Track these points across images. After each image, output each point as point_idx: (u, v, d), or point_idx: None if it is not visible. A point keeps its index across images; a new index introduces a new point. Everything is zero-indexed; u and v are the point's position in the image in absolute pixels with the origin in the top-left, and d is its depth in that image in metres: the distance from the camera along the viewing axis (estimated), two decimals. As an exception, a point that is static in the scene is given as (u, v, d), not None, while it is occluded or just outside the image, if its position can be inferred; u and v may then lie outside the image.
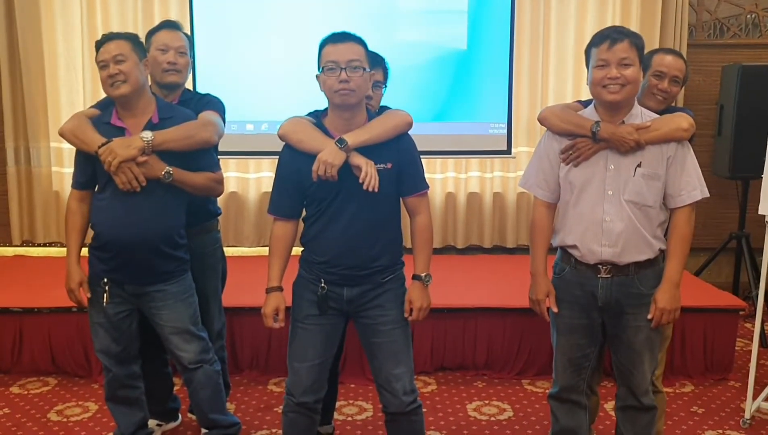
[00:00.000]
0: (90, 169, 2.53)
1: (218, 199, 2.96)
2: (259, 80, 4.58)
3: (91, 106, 2.75)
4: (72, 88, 4.74)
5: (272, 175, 4.63)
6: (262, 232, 4.86)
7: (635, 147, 2.28)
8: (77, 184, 2.60)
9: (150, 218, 2.49)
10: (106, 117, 2.54)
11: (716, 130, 4.58)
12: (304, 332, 2.41)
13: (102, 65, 2.45)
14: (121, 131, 2.49)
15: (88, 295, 2.60)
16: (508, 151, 4.72)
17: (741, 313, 3.89)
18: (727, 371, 3.74)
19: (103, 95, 4.66)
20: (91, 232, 2.61)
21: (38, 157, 4.79)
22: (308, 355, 2.41)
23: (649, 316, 2.36)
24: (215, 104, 2.76)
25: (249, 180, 4.84)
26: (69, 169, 4.76)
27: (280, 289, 2.41)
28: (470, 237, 4.98)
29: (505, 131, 4.68)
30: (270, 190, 2.51)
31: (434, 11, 4.58)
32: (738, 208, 4.64)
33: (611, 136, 2.29)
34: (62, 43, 4.70)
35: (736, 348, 3.85)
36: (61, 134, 2.56)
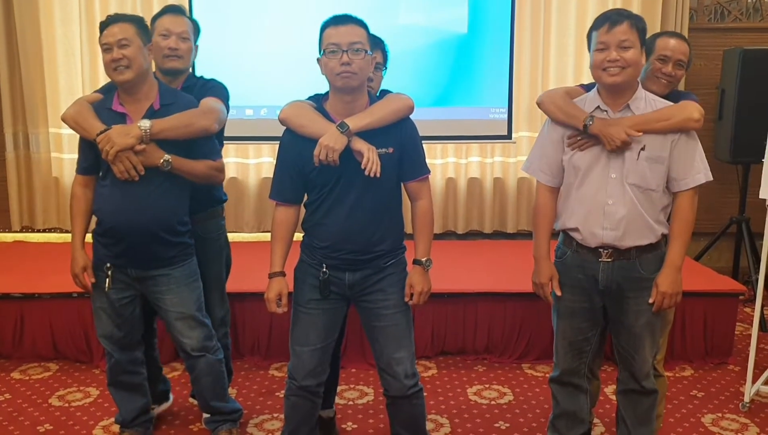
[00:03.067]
0: (92, 155, 2.52)
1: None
2: (259, 65, 4.56)
3: (96, 91, 2.73)
4: (71, 73, 4.73)
5: (272, 160, 4.67)
6: (262, 218, 4.86)
7: (621, 147, 2.27)
8: (81, 169, 2.59)
9: (149, 205, 2.47)
10: (108, 102, 2.52)
11: (717, 115, 4.56)
12: (306, 316, 2.41)
13: (105, 48, 2.42)
14: (122, 117, 2.47)
15: (93, 280, 2.60)
16: (509, 136, 4.72)
17: (741, 297, 3.90)
18: (727, 355, 3.75)
19: (102, 81, 4.71)
20: (95, 218, 2.60)
21: (37, 142, 4.78)
22: (310, 339, 2.41)
23: (651, 300, 2.36)
24: (219, 90, 2.73)
25: (249, 165, 4.83)
26: (68, 155, 4.78)
27: (282, 274, 2.40)
28: (471, 222, 4.98)
29: (506, 116, 4.67)
30: (270, 175, 2.50)
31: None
32: (738, 193, 4.65)
33: (600, 133, 2.29)
34: (60, 28, 4.68)
35: (736, 332, 3.86)
36: (64, 120, 2.55)
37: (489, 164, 4.90)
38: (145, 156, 2.42)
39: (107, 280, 2.56)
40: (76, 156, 4.56)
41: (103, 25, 2.46)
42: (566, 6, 4.73)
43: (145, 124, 2.41)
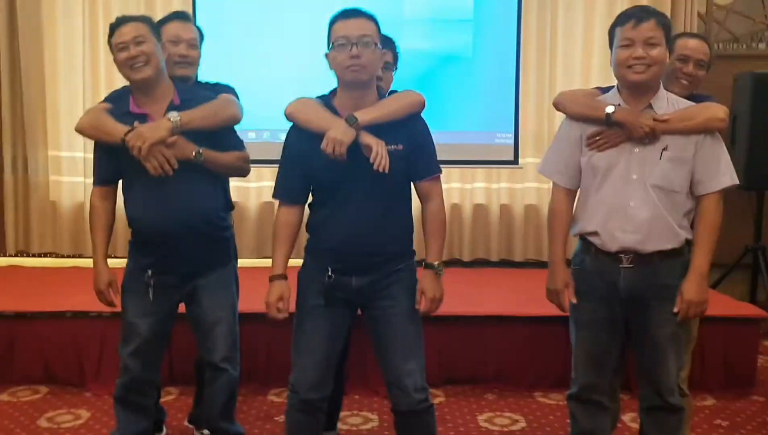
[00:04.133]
0: (113, 164, 2.43)
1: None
2: (262, 88, 4.48)
3: (101, 102, 2.61)
4: (72, 96, 4.68)
5: (273, 184, 4.58)
6: (262, 243, 4.73)
7: (650, 135, 2.17)
8: (100, 180, 2.49)
9: (186, 203, 2.39)
10: (124, 106, 2.43)
11: (730, 141, 4.48)
12: (309, 324, 2.28)
13: (121, 47, 2.35)
14: (143, 118, 2.39)
15: (118, 295, 2.49)
16: (515, 162, 4.63)
17: (761, 327, 3.74)
18: (750, 385, 3.58)
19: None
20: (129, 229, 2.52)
21: (36, 165, 4.69)
22: (314, 349, 2.27)
23: (675, 310, 2.23)
24: (229, 90, 2.70)
25: (249, 189, 4.74)
26: (67, 178, 4.70)
27: (284, 276, 2.27)
28: (476, 250, 4.85)
29: (512, 141, 4.59)
30: (271, 200, 2.41)
31: (439, 20, 4.52)
32: (753, 221, 4.53)
33: (625, 121, 2.18)
34: (63, 52, 4.65)
35: (757, 364, 3.69)
36: (80, 130, 2.47)
37: (495, 190, 4.80)
38: (177, 149, 2.34)
39: (150, 289, 2.44)
40: (74, 179, 4.65)
41: (114, 26, 2.40)
42: (572, 32, 4.70)
43: (174, 115, 2.34)
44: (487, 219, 4.82)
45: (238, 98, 2.69)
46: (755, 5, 4.84)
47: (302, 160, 2.24)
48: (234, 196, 4.71)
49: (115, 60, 2.39)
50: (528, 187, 4.75)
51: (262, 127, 4.51)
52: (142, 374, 2.54)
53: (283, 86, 4.43)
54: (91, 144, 2.57)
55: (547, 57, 4.69)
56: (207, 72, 2.85)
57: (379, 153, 2.12)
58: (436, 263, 2.26)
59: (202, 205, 2.44)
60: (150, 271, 2.44)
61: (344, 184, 2.20)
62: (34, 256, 4.76)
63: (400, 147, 2.20)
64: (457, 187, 4.80)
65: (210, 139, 2.42)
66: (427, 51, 4.53)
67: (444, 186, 4.72)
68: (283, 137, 2.36)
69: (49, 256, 4.75)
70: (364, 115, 2.15)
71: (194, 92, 2.51)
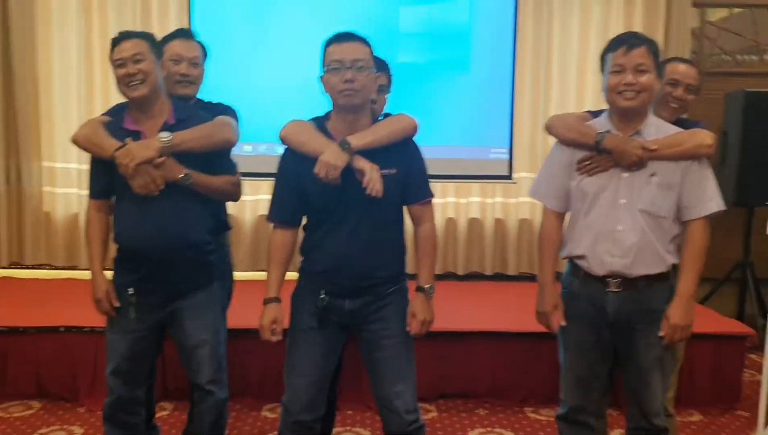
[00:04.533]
0: (107, 177, 2.43)
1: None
2: (258, 101, 4.51)
3: (102, 114, 2.64)
4: (66, 108, 4.67)
5: (269, 197, 4.58)
6: (257, 257, 4.75)
7: (638, 163, 2.21)
8: (94, 193, 2.49)
9: (171, 223, 2.38)
10: (119, 121, 2.44)
11: (720, 158, 4.53)
12: (302, 345, 2.30)
13: (119, 63, 2.36)
14: (136, 135, 2.39)
15: (117, 304, 2.46)
16: (510, 177, 4.65)
17: (747, 342, 3.78)
18: (735, 401, 3.62)
19: (96, 115, 4.66)
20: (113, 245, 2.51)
21: (29, 177, 4.68)
22: (307, 370, 2.29)
23: (661, 333, 2.25)
24: (229, 111, 2.68)
25: (245, 202, 4.75)
26: (61, 190, 4.70)
27: (278, 299, 2.29)
28: (471, 264, 4.88)
29: (507, 156, 4.62)
30: (266, 213, 2.41)
31: (436, 34, 4.55)
32: (742, 237, 4.57)
33: (615, 148, 2.22)
34: (57, 63, 4.65)
35: (743, 379, 3.73)
36: (75, 141, 2.47)
37: (490, 205, 4.83)
38: (165, 170, 2.33)
39: (131, 307, 2.43)
40: (68, 190, 4.66)
41: (115, 42, 2.41)
42: (567, 49, 4.73)
43: (166, 135, 2.33)
44: (481, 233, 4.85)
45: (239, 119, 2.68)
46: (746, 23, 4.89)
47: (296, 183, 2.26)
48: (230, 209, 4.77)
49: (115, 75, 2.40)
50: (522, 202, 4.78)
51: (259, 140, 4.53)
52: (125, 393, 2.52)
53: (279, 99, 4.48)
54: (85, 155, 2.57)
55: (542, 73, 4.73)
56: (204, 87, 2.85)
57: (372, 178, 2.15)
58: (427, 286, 2.28)
59: (186, 228, 2.42)
60: (132, 289, 2.43)
61: (338, 207, 2.22)
62: (27, 267, 4.75)
63: (394, 171, 2.23)
64: (452, 202, 4.82)
65: (202, 161, 2.41)
66: (423, 65, 4.57)
67: (439, 200, 4.85)
68: (279, 150, 2.37)
69: (43, 268, 4.75)
70: (357, 140, 2.18)
71: (191, 112, 2.50)
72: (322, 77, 2.22)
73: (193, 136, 2.38)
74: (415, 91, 4.50)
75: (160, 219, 2.37)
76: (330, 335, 2.30)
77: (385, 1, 4.54)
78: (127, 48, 2.35)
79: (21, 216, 4.74)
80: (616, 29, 4.67)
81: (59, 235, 4.73)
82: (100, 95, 4.64)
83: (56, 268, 4.72)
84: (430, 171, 4.34)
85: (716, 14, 4.92)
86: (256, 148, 4.55)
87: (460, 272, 4.86)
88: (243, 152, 4.53)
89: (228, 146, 2.51)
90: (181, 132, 2.37)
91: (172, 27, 4.58)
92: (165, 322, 2.52)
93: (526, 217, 4.78)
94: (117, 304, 2.46)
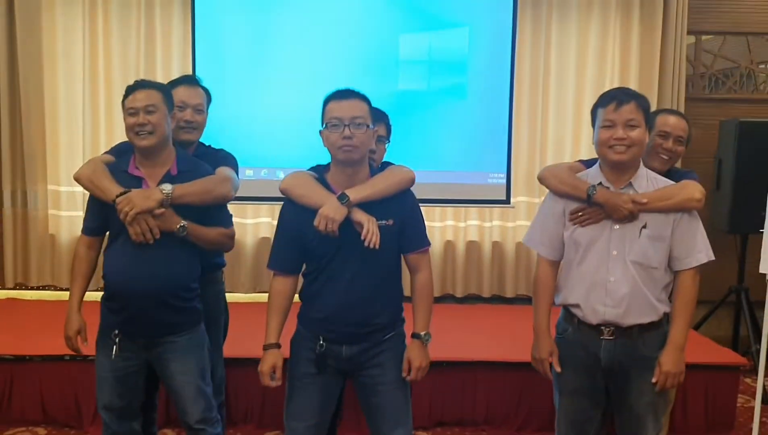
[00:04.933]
0: (102, 217, 2.50)
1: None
2: (259, 126, 4.58)
3: (106, 152, 2.71)
4: (72, 132, 4.76)
5: (270, 220, 4.65)
6: (258, 279, 4.82)
7: (629, 216, 2.27)
8: (87, 230, 2.56)
9: (161, 271, 2.44)
10: (123, 165, 2.51)
11: (714, 184, 4.59)
12: (301, 391, 2.36)
13: (131, 112, 2.43)
14: (137, 181, 2.46)
15: (86, 344, 2.54)
16: (507, 201, 4.72)
17: (741, 369, 3.85)
18: (729, 429, 3.69)
19: (103, 139, 4.73)
20: (100, 283, 2.55)
21: (35, 200, 4.76)
22: (305, 415, 2.35)
23: (654, 380, 2.32)
24: (230, 160, 2.76)
25: (247, 225, 4.81)
26: (66, 213, 4.78)
27: (277, 345, 2.36)
28: (469, 286, 4.95)
29: (504, 181, 4.68)
30: (267, 235, 2.48)
31: (435, 61, 4.61)
32: (737, 262, 4.63)
33: (606, 202, 2.29)
34: (63, 88, 4.73)
35: (737, 404, 3.80)
36: (77, 179, 2.53)
37: (488, 228, 4.90)
38: (163, 220, 2.40)
39: (114, 347, 2.49)
40: (73, 213, 4.73)
41: (130, 90, 2.48)
42: (564, 75, 4.80)
43: (168, 187, 2.40)
44: (479, 256, 4.92)
45: (237, 167, 2.75)
46: (742, 50, 4.96)
47: (296, 233, 2.32)
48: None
49: (125, 121, 2.46)
50: (519, 226, 4.84)
51: (260, 165, 4.59)
52: (119, 427, 2.59)
53: (280, 125, 4.55)
54: None
55: (539, 100, 4.80)
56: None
57: (370, 230, 2.21)
58: (422, 333, 2.35)
59: (173, 275, 2.47)
60: (116, 331, 2.49)
61: (336, 257, 2.29)
62: (32, 288, 4.83)
63: (391, 222, 2.29)
64: (451, 225, 4.90)
65: (198, 212, 2.48)
66: (422, 92, 4.62)
67: (438, 224, 4.92)
68: (280, 175, 2.45)
69: (48, 289, 4.83)
70: (355, 194, 2.24)
71: (194, 164, 2.57)
72: (321, 132, 2.29)
73: (193, 190, 2.45)
74: (414, 117, 4.57)
75: (151, 264, 2.43)
76: (328, 381, 2.37)
77: (385, 30, 4.59)
78: (141, 98, 2.43)
79: (26, 238, 4.82)
80: (613, 59, 4.76)
81: (64, 257, 4.80)
82: (104, 121, 4.72)
83: (61, 289, 4.79)
84: (430, 195, 4.50)
85: (712, 41, 4.97)
86: (257, 173, 4.60)
87: (459, 294, 4.93)
88: (245, 177, 4.57)
89: (225, 201, 2.59)
90: (182, 185, 2.44)
91: (174, 56, 4.68)
92: (152, 362, 2.57)
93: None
94: (86, 344, 2.54)
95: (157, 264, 2.43)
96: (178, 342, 2.53)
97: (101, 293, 2.56)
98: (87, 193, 2.57)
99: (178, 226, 2.42)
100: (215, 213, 2.56)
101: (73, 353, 3.49)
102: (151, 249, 2.41)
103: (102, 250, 2.58)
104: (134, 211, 2.35)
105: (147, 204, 2.36)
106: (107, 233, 2.55)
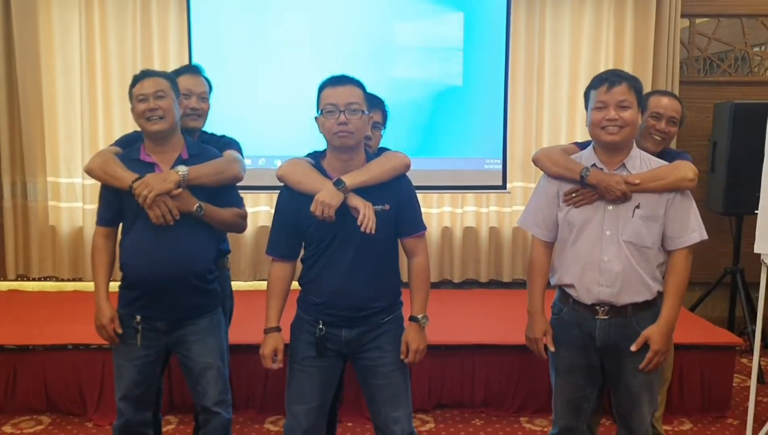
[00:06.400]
0: (116, 206, 2.53)
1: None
2: (256, 115, 4.60)
3: (112, 144, 2.73)
4: (70, 124, 4.76)
5: (269, 209, 4.67)
6: (258, 267, 4.85)
7: (622, 197, 2.30)
8: (103, 220, 2.59)
9: (182, 253, 2.49)
10: (134, 153, 2.55)
11: (709, 167, 4.62)
12: (302, 374, 2.40)
13: (141, 99, 2.47)
14: (150, 167, 2.50)
15: (120, 331, 2.55)
16: (504, 186, 4.75)
17: (737, 349, 3.90)
18: (725, 409, 3.73)
19: (102, 131, 4.75)
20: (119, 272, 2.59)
21: (35, 191, 4.77)
22: (306, 398, 2.39)
23: (643, 365, 2.35)
24: (234, 145, 2.82)
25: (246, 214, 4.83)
26: (65, 204, 4.80)
27: (278, 329, 2.40)
28: (466, 271, 4.99)
29: (501, 167, 4.71)
30: (266, 224, 2.51)
31: (430, 48, 4.63)
32: (732, 244, 4.67)
33: (599, 183, 2.32)
34: (61, 79, 4.73)
35: (733, 384, 3.84)
36: (89, 171, 2.56)
37: (484, 214, 4.93)
38: (181, 201, 2.45)
39: (138, 335, 2.53)
40: (73, 205, 4.76)
41: (138, 78, 2.52)
42: (559, 60, 4.81)
43: (183, 169, 2.45)
44: (476, 241, 4.95)
45: (241, 151, 2.80)
46: (736, 32, 4.97)
47: (294, 220, 2.36)
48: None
49: (133, 110, 2.50)
50: (516, 211, 4.86)
51: (258, 154, 4.61)
52: (134, 416, 2.62)
53: (277, 114, 4.57)
54: None
55: (534, 86, 4.81)
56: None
57: (366, 215, 2.25)
58: (420, 316, 2.39)
59: (194, 256, 2.52)
60: (138, 317, 2.52)
61: (334, 242, 2.32)
62: (34, 280, 4.86)
63: (387, 207, 2.33)
64: (448, 211, 4.92)
65: (211, 194, 2.53)
66: (419, 79, 4.64)
67: (435, 210, 4.94)
68: (278, 164, 2.48)
69: (50, 280, 4.86)
70: (351, 179, 2.28)
71: (202, 148, 2.62)
72: (317, 119, 2.32)
73: (206, 172, 2.51)
74: (411, 104, 4.59)
75: (173, 246, 2.48)
76: (328, 364, 2.40)
77: (381, 17, 4.61)
78: (150, 84, 2.47)
79: (27, 230, 4.84)
80: (607, 43, 4.77)
81: (64, 248, 4.83)
82: (102, 112, 4.73)
83: (62, 280, 4.83)
84: (427, 181, 4.52)
85: (706, 24, 4.99)
86: (255, 162, 4.63)
87: (456, 280, 4.97)
88: (243, 166, 4.61)
89: (236, 181, 2.65)
90: (196, 166, 2.49)
91: (171, 47, 4.70)
92: (171, 346, 2.61)
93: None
94: (120, 331, 2.54)
95: (179, 246, 2.48)
96: (200, 324, 2.58)
97: (117, 283, 2.59)
98: (86, 185, 2.60)
99: (195, 207, 2.47)
100: (227, 194, 2.61)
101: (75, 342, 3.56)
102: (171, 231, 2.45)
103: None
104: (153, 193, 2.39)
105: (165, 186, 2.41)
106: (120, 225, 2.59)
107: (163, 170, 2.49)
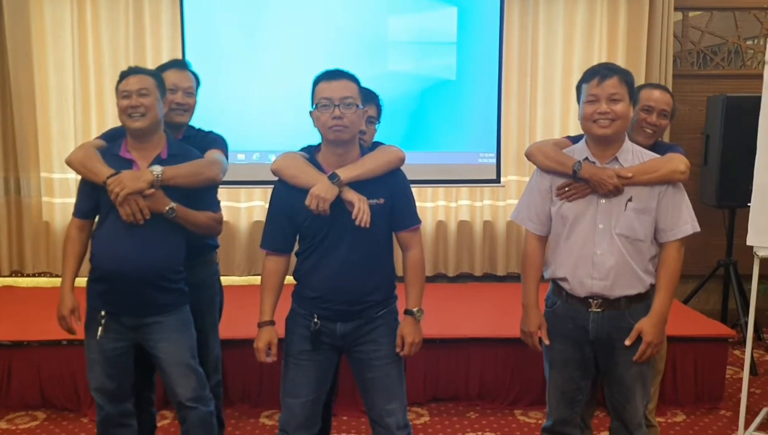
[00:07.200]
0: (93, 200, 2.54)
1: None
2: (250, 110, 4.60)
3: (98, 137, 2.74)
4: (63, 119, 4.75)
5: (263, 204, 4.68)
6: (252, 261, 4.86)
7: (614, 190, 2.31)
8: (79, 212, 2.60)
9: (149, 252, 2.48)
10: (115, 149, 2.56)
11: (702, 160, 4.64)
12: (297, 368, 2.41)
13: (124, 95, 2.47)
14: (128, 163, 2.51)
15: (79, 323, 2.57)
16: (498, 180, 4.76)
17: (730, 341, 3.92)
18: (718, 400, 3.76)
19: (94, 126, 4.74)
20: (88, 264, 2.59)
21: (28, 187, 4.76)
22: (301, 391, 2.40)
23: (636, 356, 2.36)
24: (219, 142, 2.78)
25: (240, 209, 4.85)
26: (59, 200, 4.79)
27: (272, 322, 2.41)
28: (461, 265, 5.00)
29: (495, 160, 4.73)
30: (261, 219, 2.51)
31: (424, 42, 4.63)
32: (725, 236, 4.69)
33: (591, 177, 2.33)
34: (53, 75, 4.72)
35: (726, 376, 3.87)
36: (69, 163, 2.57)
37: (479, 207, 4.95)
38: (153, 201, 2.44)
39: (100, 328, 2.53)
40: (66, 200, 4.75)
41: (124, 75, 2.53)
42: (553, 54, 4.82)
43: (158, 169, 2.44)
44: (471, 235, 4.96)
45: (227, 148, 2.78)
46: (729, 26, 4.99)
47: (288, 213, 2.36)
48: (224, 216, 4.85)
49: (118, 105, 2.51)
50: (509, 204, 4.88)
51: (252, 149, 4.62)
52: (113, 408, 2.64)
53: (271, 109, 4.57)
54: None
55: (527, 80, 4.82)
56: (199, 98, 2.92)
57: (361, 209, 2.25)
58: (415, 310, 2.39)
59: (161, 256, 2.51)
60: (103, 311, 2.53)
61: (328, 236, 2.32)
62: (28, 275, 4.86)
63: (381, 201, 2.33)
64: (443, 205, 4.94)
65: (187, 195, 2.52)
66: (412, 73, 4.64)
67: (430, 204, 4.96)
68: (272, 158, 2.47)
69: (44, 276, 4.85)
70: (346, 173, 2.28)
71: (184, 148, 2.61)
72: (312, 113, 2.32)
73: (182, 173, 2.49)
74: (404, 98, 4.60)
75: (140, 245, 2.47)
76: (323, 358, 2.41)
77: (374, 11, 4.61)
78: (134, 82, 2.48)
79: (21, 226, 4.84)
80: (600, 37, 4.79)
81: (58, 244, 4.80)
82: (95, 107, 4.72)
83: (56, 276, 4.81)
84: (421, 175, 4.52)
85: (699, 17, 5.00)
86: (249, 157, 4.63)
87: (451, 273, 4.98)
88: (237, 161, 4.61)
89: (213, 184, 2.63)
90: (171, 167, 2.48)
91: (164, 42, 4.69)
92: (141, 343, 2.61)
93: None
94: (80, 323, 2.56)
95: (145, 244, 2.47)
96: (166, 322, 2.57)
97: (86, 277, 2.59)
98: (79, 179, 2.60)
99: (167, 208, 2.46)
100: (204, 196, 2.60)
101: (70, 338, 3.54)
102: (140, 230, 2.45)
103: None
104: (125, 192, 2.39)
105: (137, 185, 2.40)
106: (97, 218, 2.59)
107: (140, 168, 2.49)
